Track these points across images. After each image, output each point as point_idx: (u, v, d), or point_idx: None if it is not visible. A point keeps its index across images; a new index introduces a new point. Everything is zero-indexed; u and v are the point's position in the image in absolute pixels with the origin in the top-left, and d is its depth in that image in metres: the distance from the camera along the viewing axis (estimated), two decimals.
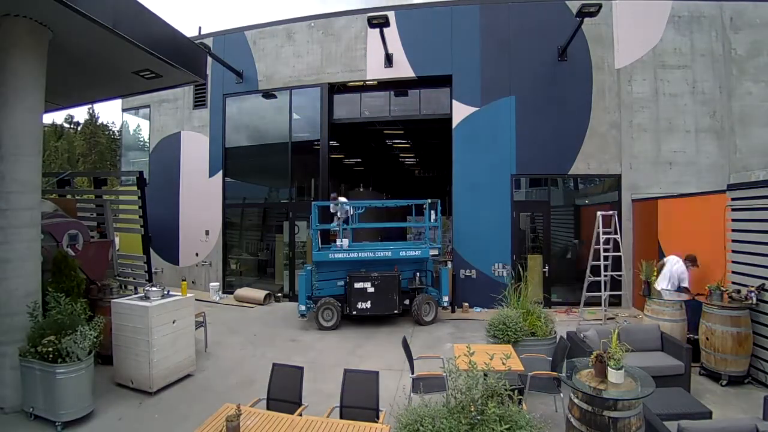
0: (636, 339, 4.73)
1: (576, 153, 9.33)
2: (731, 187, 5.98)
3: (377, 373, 3.60)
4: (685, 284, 6.10)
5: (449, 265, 9.46)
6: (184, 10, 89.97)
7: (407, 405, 3.12)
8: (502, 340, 5.10)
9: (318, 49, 10.61)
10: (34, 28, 4.78)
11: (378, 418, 3.31)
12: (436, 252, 8.45)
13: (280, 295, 10.47)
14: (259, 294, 10.00)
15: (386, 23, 8.62)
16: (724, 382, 5.07)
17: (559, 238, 10.08)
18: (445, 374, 3.29)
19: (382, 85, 10.63)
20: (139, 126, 14.14)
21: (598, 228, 8.05)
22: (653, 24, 9.28)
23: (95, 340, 4.39)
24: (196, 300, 6.87)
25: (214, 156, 11.46)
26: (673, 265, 6.28)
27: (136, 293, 6.18)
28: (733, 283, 5.57)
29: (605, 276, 7.93)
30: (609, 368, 3.19)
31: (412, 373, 4.53)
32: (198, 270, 11.53)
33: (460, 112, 9.72)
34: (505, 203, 9.43)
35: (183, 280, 6.13)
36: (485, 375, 2.78)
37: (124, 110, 13.23)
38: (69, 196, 8.82)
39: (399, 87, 10.60)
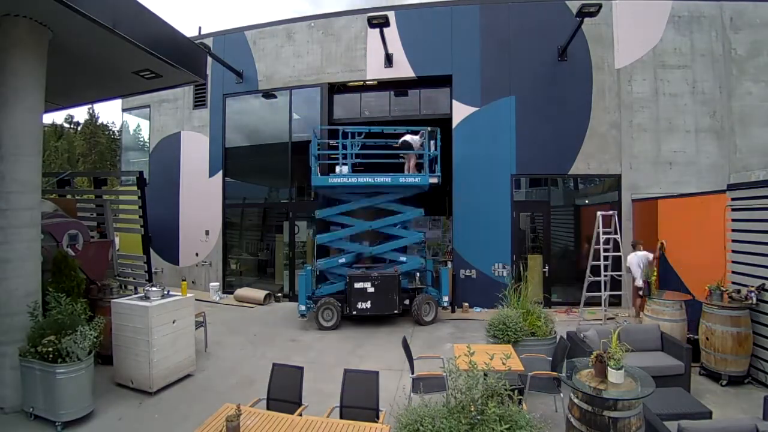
0: (636, 339, 4.74)
1: (576, 153, 9.33)
2: (731, 187, 5.98)
3: (377, 373, 3.60)
4: (650, 258, 7.34)
5: (449, 265, 9.46)
6: (184, 10, 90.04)
7: (407, 405, 3.12)
8: (502, 340, 5.10)
9: (318, 49, 10.61)
10: (34, 28, 4.78)
11: (378, 418, 3.31)
12: (435, 180, 8.40)
13: (280, 295, 10.47)
14: (259, 294, 10.00)
15: (386, 23, 8.63)
16: (724, 382, 5.07)
17: (559, 238, 10.08)
18: (445, 374, 3.30)
19: (382, 85, 10.63)
20: (139, 126, 14.15)
21: (598, 228, 8.05)
22: (653, 24, 9.29)
23: (95, 340, 4.39)
24: (196, 300, 6.87)
25: (214, 156, 11.47)
26: (632, 263, 7.50)
27: (136, 293, 6.18)
28: (733, 283, 5.57)
29: (605, 276, 7.93)
30: (609, 368, 3.19)
31: (412, 373, 4.53)
32: (198, 270, 11.53)
33: (460, 112, 9.72)
34: (505, 203, 9.43)
35: (183, 280, 6.13)
36: (485, 375, 2.78)
37: (124, 110, 13.23)
38: (69, 196, 8.82)
39: (399, 87, 10.60)
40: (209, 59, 9.14)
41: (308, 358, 6.25)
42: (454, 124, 9.73)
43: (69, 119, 41.86)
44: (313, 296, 8.21)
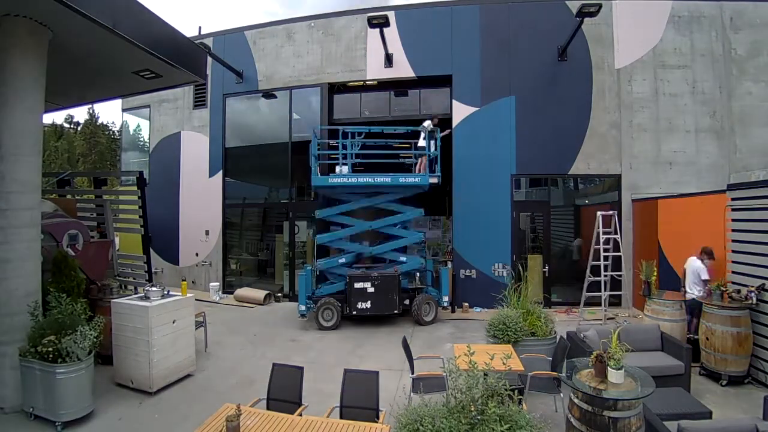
0: (636, 339, 4.73)
1: (576, 153, 9.33)
2: (731, 187, 5.98)
3: (377, 373, 3.60)
4: (705, 276, 5.82)
5: (449, 265, 9.46)
6: (184, 10, 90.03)
7: (407, 405, 3.11)
8: (502, 340, 5.10)
9: (318, 49, 10.61)
10: (34, 28, 4.78)
11: (378, 418, 3.31)
12: (435, 180, 8.39)
13: (280, 295, 10.47)
14: (259, 294, 10.00)
15: (386, 23, 8.63)
16: (724, 382, 5.07)
17: (559, 238, 10.08)
18: (445, 374, 3.29)
19: (382, 85, 10.63)
20: (139, 126, 14.16)
21: (598, 228, 8.05)
22: (653, 24, 9.29)
23: (95, 340, 4.39)
24: (196, 300, 6.87)
25: (214, 156, 11.47)
26: (691, 266, 6.09)
27: (136, 293, 6.18)
28: (733, 283, 5.57)
29: (605, 276, 7.93)
30: (609, 368, 3.19)
31: (412, 373, 4.53)
32: (198, 270, 11.53)
33: (460, 112, 9.72)
34: (505, 203, 9.43)
35: (183, 280, 6.13)
36: (485, 375, 2.78)
37: (124, 110, 13.23)
38: (69, 196, 8.82)
39: (399, 87, 10.60)
40: (209, 59, 9.14)
41: (308, 358, 6.25)
42: (454, 124, 9.72)
43: (69, 119, 41.94)
44: (313, 296, 8.21)
